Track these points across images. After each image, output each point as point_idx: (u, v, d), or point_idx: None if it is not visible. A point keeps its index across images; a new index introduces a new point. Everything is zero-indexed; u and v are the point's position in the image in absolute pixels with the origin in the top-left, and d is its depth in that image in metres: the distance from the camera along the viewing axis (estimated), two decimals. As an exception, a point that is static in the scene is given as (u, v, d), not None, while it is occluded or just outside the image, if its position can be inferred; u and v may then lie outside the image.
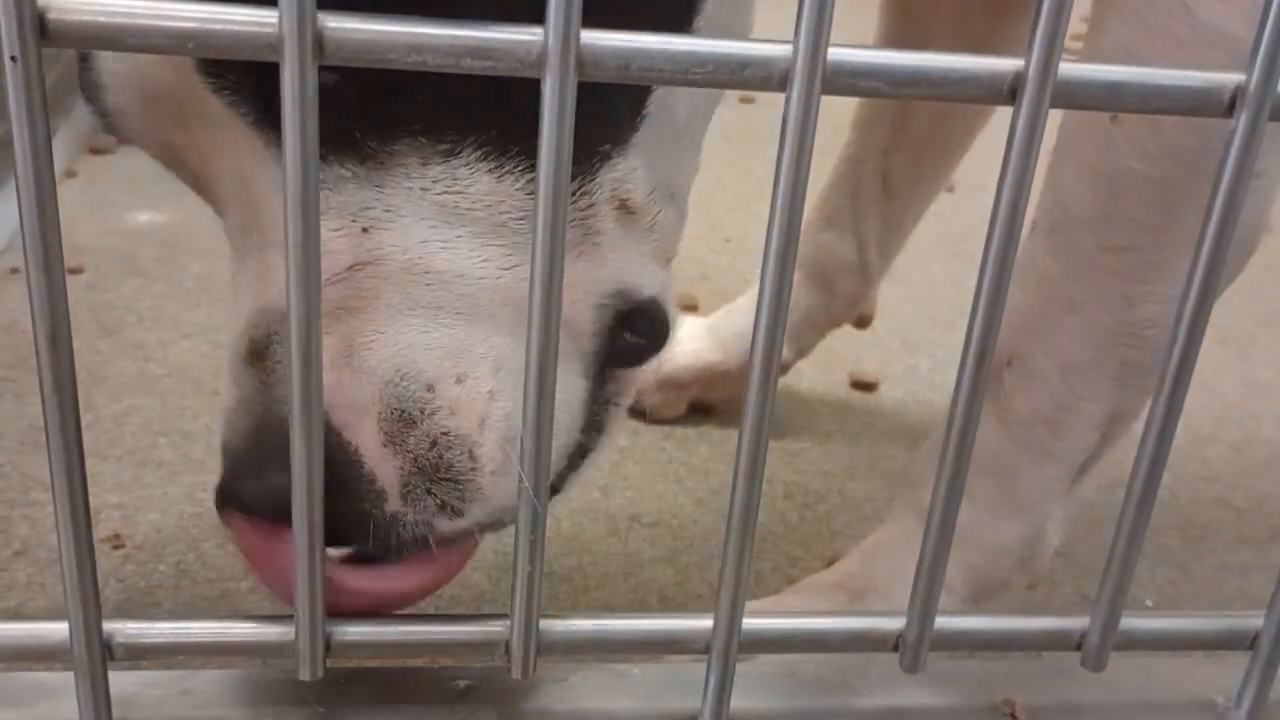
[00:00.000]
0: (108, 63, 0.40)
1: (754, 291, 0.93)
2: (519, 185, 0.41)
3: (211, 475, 0.77)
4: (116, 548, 0.70)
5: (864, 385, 1.01)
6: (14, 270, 1.04)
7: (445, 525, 0.42)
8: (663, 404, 0.91)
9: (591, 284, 0.44)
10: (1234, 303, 1.25)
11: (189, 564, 0.70)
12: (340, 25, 0.31)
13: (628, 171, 0.44)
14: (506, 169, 0.41)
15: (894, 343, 1.10)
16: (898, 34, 0.82)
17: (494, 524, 0.44)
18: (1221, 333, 1.18)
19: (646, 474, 0.85)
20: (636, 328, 0.47)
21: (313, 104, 0.31)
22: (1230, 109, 0.36)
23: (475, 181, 0.41)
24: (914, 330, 1.12)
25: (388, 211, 0.41)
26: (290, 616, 0.37)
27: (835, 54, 0.33)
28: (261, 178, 0.40)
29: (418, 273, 0.41)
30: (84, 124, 1.37)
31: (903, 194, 0.88)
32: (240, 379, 0.42)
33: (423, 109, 0.39)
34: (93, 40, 0.31)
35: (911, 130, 0.85)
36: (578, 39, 0.32)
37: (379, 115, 0.40)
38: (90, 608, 0.36)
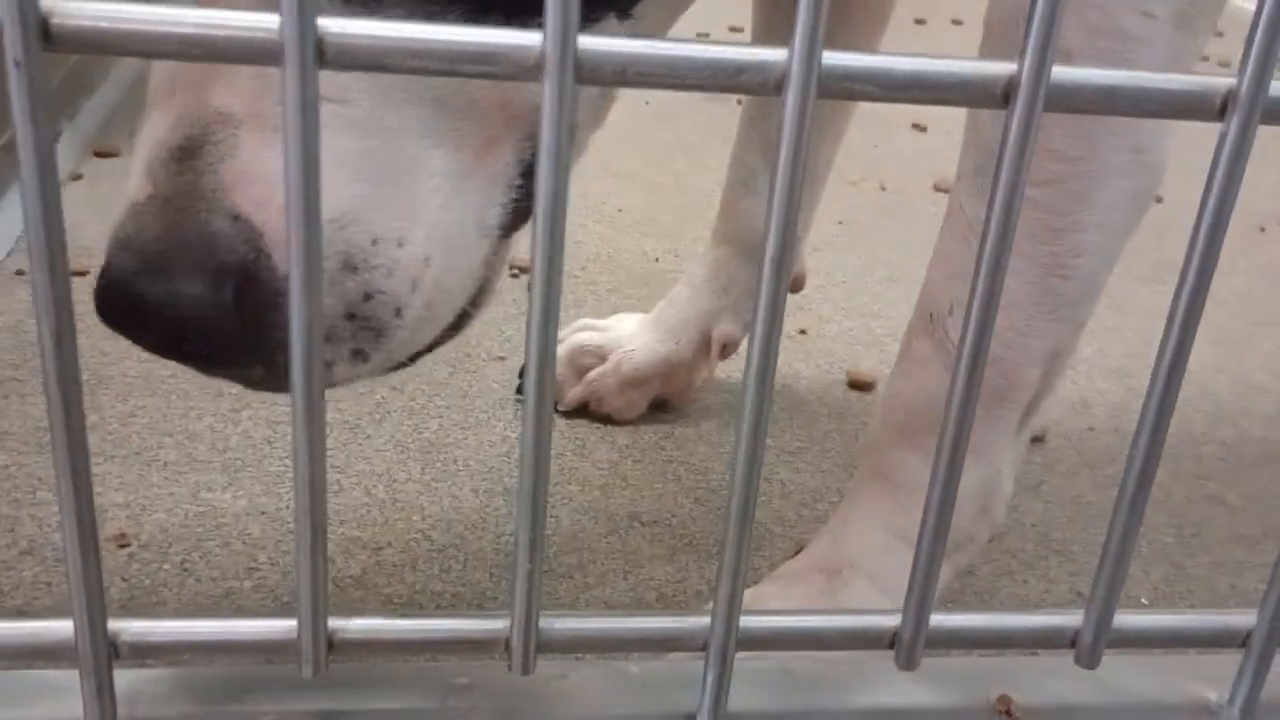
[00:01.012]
0: None
1: (688, 279, 0.93)
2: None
3: (215, 475, 0.78)
4: (122, 546, 0.71)
5: (861, 385, 1.01)
6: (19, 272, 1.04)
7: (346, 370, 0.43)
8: (625, 405, 0.91)
9: (522, 125, 0.44)
10: (1228, 304, 1.26)
11: (193, 563, 0.70)
12: (341, 30, 0.32)
13: None
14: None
15: (891, 343, 1.10)
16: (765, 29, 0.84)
17: (380, 373, 0.45)
18: (1215, 334, 1.18)
19: (646, 473, 0.86)
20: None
21: (314, 108, 0.32)
22: (1222, 112, 0.36)
23: None
24: (912, 330, 1.13)
25: None
26: (293, 615, 0.38)
27: (830, 58, 0.33)
28: None
29: (383, 127, 0.40)
30: (89, 126, 1.37)
31: (811, 142, 0.90)
32: (158, 175, 0.38)
33: None
34: (96, 45, 0.31)
35: None
36: (575, 45, 0.32)
37: None
38: (95, 606, 0.36)
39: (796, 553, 0.68)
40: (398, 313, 0.42)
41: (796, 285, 0.97)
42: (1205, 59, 2.07)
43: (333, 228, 0.40)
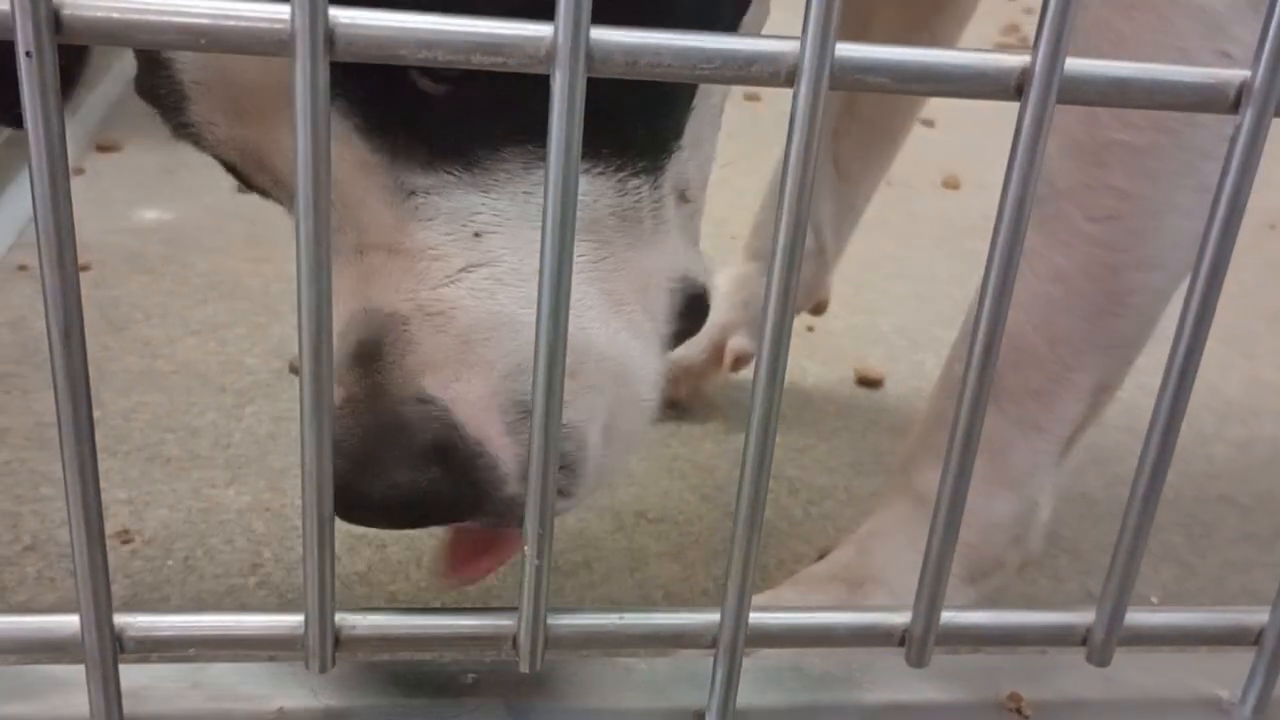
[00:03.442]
0: (190, 70, 0.40)
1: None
2: (610, 183, 0.43)
3: (218, 471, 0.78)
4: (125, 543, 0.70)
5: (869, 381, 1.01)
6: (21, 267, 1.04)
7: (559, 505, 0.43)
8: None
9: (668, 270, 0.47)
10: (1238, 301, 1.25)
11: (196, 559, 0.70)
12: (351, 21, 0.31)
13: (684, 162, 0.46)
14: (598, 169, 0.43)
15: (899, 340, 1.10)
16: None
17: (584, 499, 0.46)
18: (1225, 331, 1.18)
19: (652, 470, 0.85)
20: (689, 311, 0.49)
21: (324, 99, 0.32)
22: (1236, 105, 0.36)
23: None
24: (918, 327, 1.12)
25: (495, 216, 0.42)
26: (299, 610, 0.38)
27: (842, 50, 0.33)
28: (360, 181, 0.41)
29: (527, 273, 0.42)
30: (91, 121, 1.37)
31: (854, 175, 0.90)
32: (346, 380, 0.42)
33: (525, 116, 0.40)
34: (107, 36, 0.31)
35: (859, 112, 0.86)
36: (587, 35, 0.32)
37: (486, 123, 0.41)
38: (101, 601, 0.36)
39: (819, 557, 0.67)
40: (581, 445, 0.44)
41: (819, 309, 0.97)
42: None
43: (507, 384, 0.42)
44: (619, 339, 0.45)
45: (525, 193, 0.42)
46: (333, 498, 0.36)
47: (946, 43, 0.85)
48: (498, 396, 0.42)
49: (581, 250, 0.43)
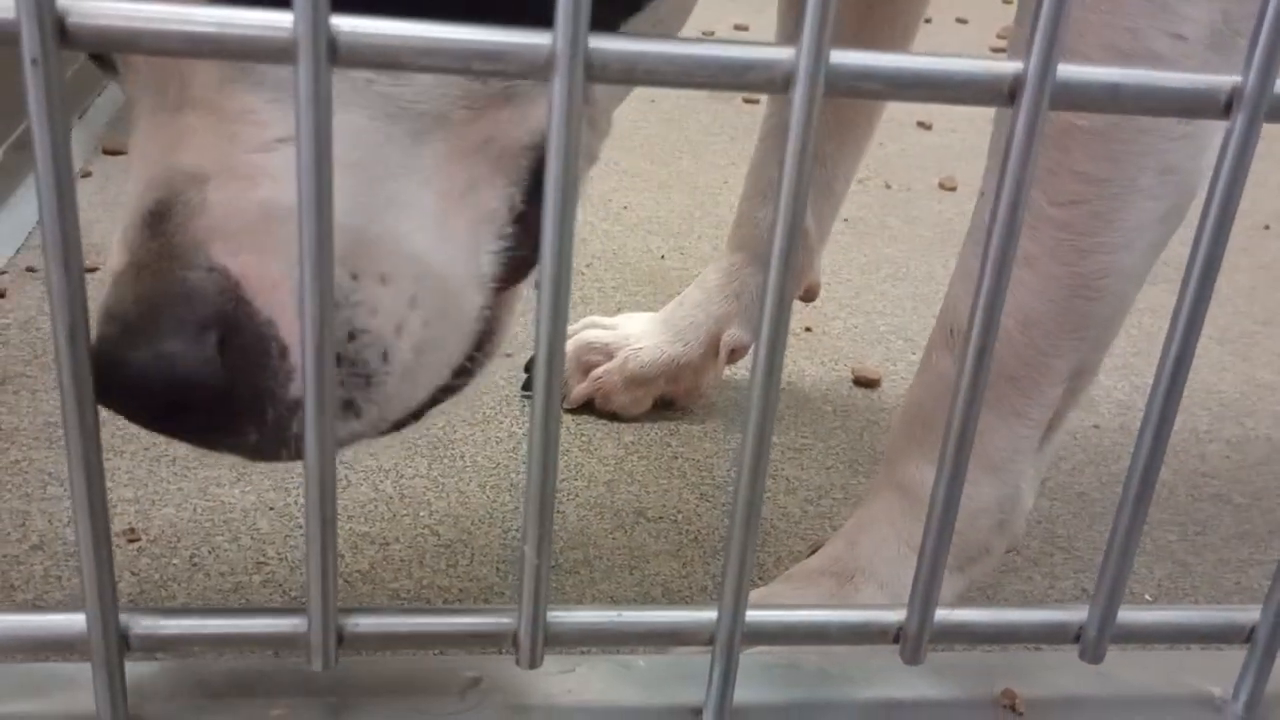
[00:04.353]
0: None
1: (700, 283, 0.94)
2: (455, 81, 0.40)
3: (224, 470, 0.78)
4: (132, 541, 0.71)
5: (866, 382, 1.02)
6: (30, 269, 1.05)
7: (342, 430, 0.40)
8: (631, 402, 0.92)
9: (508, 168, 0.43)
10: (1233, 302, 1.26)
11: (202, 557, 0.71)
12: (354, 29, 0.32)
13: None
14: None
15: (896, 340, 1.10)
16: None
17: (377, 432, 0.42)
18: (1221, 332, 1.18)
19: (651, 469, 0.86)
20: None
21: (327, 107, 0.32)
22: (1227, 110, 0.37)
23: (419, 76, 0.39)
24: (916, 328, 1.13)
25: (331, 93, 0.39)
26: (303, 608, 0.38)
27: (838, 57, 0.34)
28: None
29: (349, 161, 0.39)
30: (99, 124, 1.37)
31: (831, 156, 0.90)
32: (133, 244, 0.38)
33: None
34: (111, 43, 0.32)
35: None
36: (586, 44, 0.32)
37: None
38: (107, 600, 0.37)
39: (811, 552, 0.68)
40: (385, 357, 0.41)
41: (810, 295, 0.97)
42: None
43: None
44: (443, 250, 0.41)
45: (366, 78, 0.39)
46: (93, 375, 0.32)
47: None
48: (293, 278, 0.37)
49: (423, 154, 0.40)
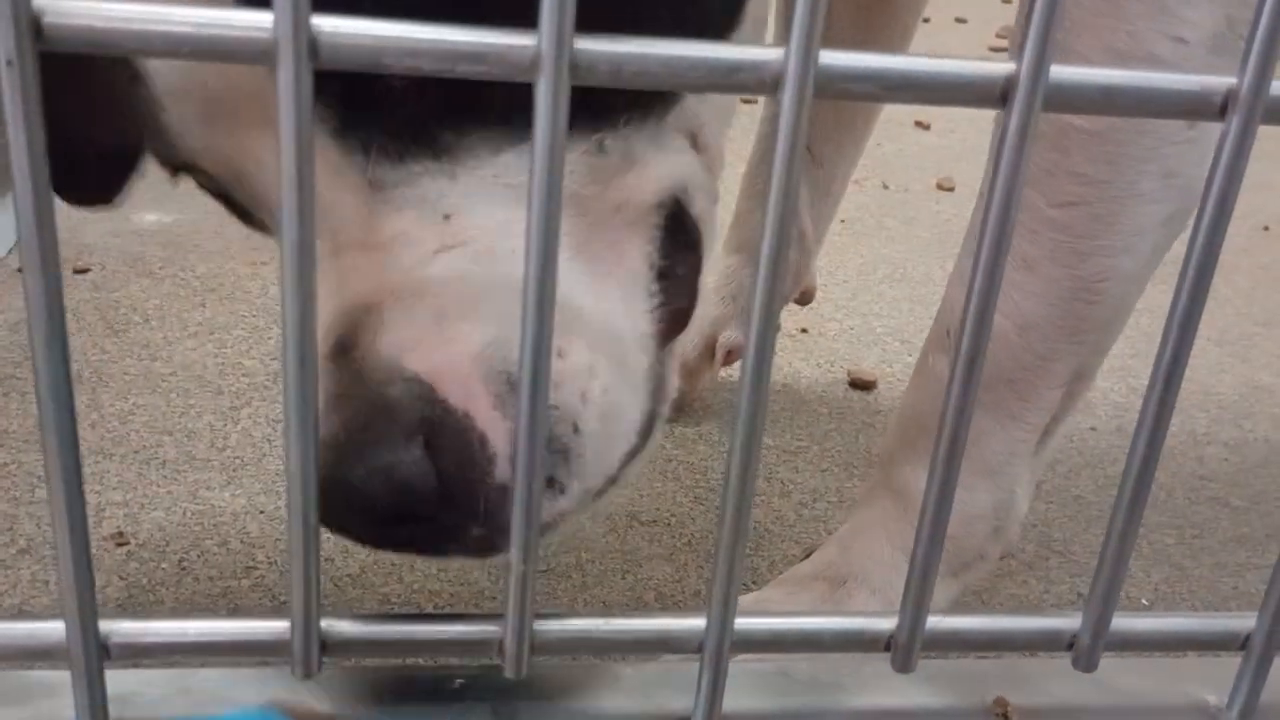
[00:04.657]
0: (163, 78, 0.40)
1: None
2: (578, 161, 0.42)
3: (214, 473, 0.78)
4: (120, 545, 0.71)
5: (862, 384, 1.01)
6: (20, 270, 1.04)
7: (549, 507, 0.42)
8: None
9: (642, 229, 0.45)
10: (1232, 304, 1.25)
11: (191, 562, 0.70)
12: (335, 30, 0.31)
13: (691, 107, 0.45)
14: (568, 149, 0.41)
15: (892, 342, 1.10)
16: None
17: (582, 506, 0.44)
18: (1219, 334, 1.18)
19: (645, 472, 0.85)
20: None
21: (308, 107, 0.32)
22: (1223, 112, 0.36)
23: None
24: (912, 330, 1.13)
25: (465, 199, 0.41)
26: (288, 616, 0.37)
27: (827, 58, 0.33)
28: (332, 183, 0.40)
29: (501, 253, 0.41)
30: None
31: (829, 157, 0.90)
32: (328, 379, 0.41)
33: (491, 99, 0.40)
34: (88, 44, 0.31)
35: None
36: (571, 45, 0.32)
37: (450, 109, 0.40)
38: (86, 607, 0.36)
39: (805, 556, 0.68)
40: (575, 428, 0.42)
41: (806, 298, 0.97)
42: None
43: (489, 352, 0.40)
44: (603, 314, 0.43)
45: (494, 175, 0.41)
46: (321, 507, 0.34)
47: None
48: (480, 365, 0.39)
49: (569, 229, 0.42)
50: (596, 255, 0.44)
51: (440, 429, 0.39)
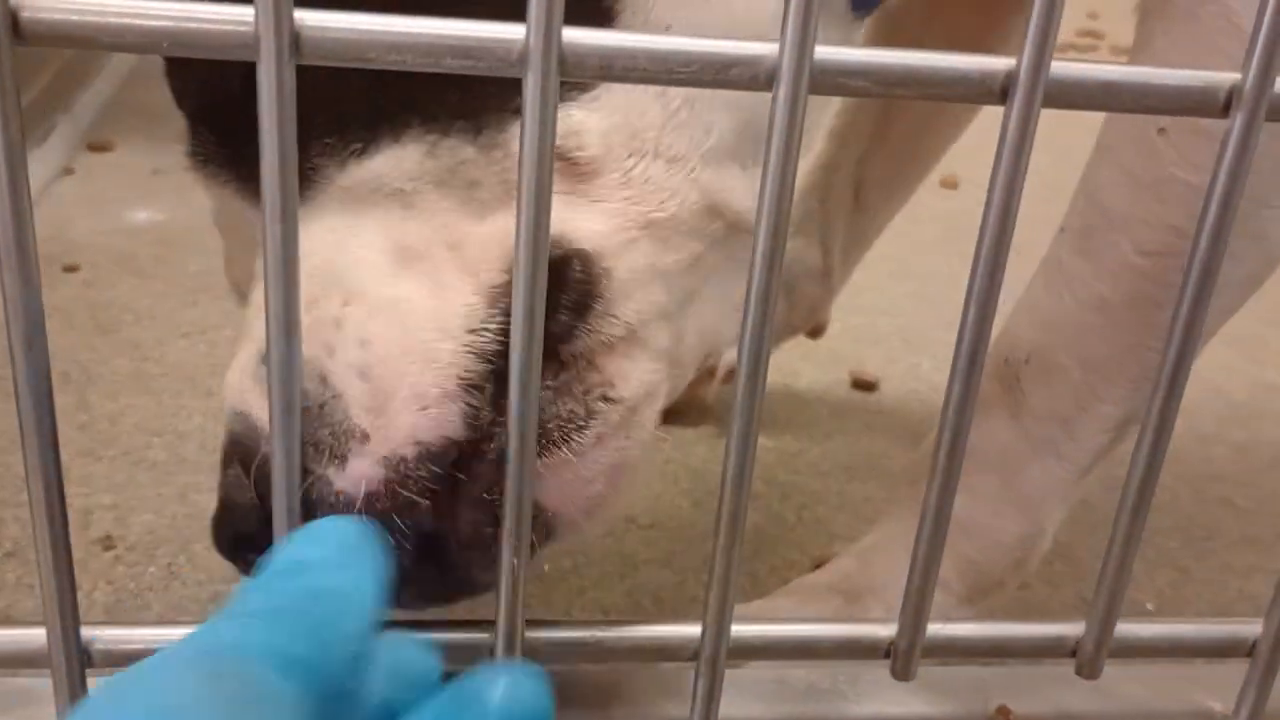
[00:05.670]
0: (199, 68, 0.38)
1: None
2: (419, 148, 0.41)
3: (204, 475, 0.77)
4: (108, 549, 0.70)
5: (865, 385, 1.00)
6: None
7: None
8: None
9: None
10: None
11: (179, 565, 0.69)
12: (318, 24, 0.31)
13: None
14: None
15: (896, 341, 1.09)
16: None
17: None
18: (1228, 333, 1.17)
19: (642, 474, 0.85)
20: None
21: (290, 103, 0.31)
22: (1226, 109, 0.35)
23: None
24: (916, 329, 1.12)
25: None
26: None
27: (822, 53, 0.32)
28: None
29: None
30: (84, 120, 1.36)
31: (873, 204, 0.88)
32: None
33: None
34: (67, 39, 0.31)
35: (889, 142, 0.84)
36: (559, 38, 0.31)
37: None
38: (67, 614, 0.36)
39: (815, 566, 0.66)
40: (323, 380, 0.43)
41: (817, 332, 0.95)
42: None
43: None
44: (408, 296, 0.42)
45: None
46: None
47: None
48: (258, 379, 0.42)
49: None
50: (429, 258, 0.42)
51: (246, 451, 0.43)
